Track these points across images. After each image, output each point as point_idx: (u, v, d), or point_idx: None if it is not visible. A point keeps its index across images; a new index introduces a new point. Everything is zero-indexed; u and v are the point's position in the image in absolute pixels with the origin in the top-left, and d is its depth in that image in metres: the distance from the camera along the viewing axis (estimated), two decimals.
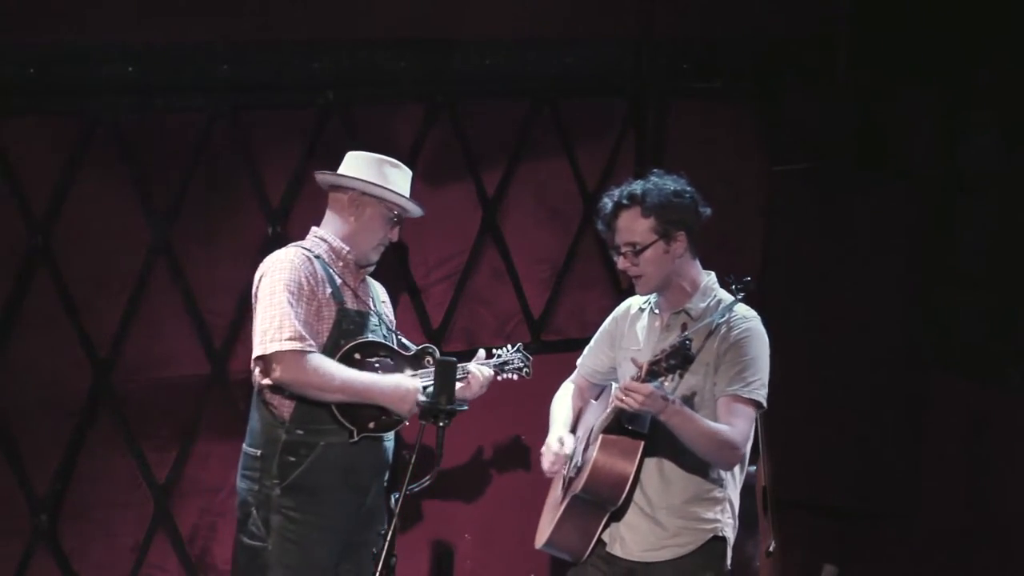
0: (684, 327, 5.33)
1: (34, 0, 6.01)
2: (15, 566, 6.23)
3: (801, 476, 7.18)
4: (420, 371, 5.76)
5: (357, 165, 5.80)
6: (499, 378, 5.98)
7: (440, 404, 5.21)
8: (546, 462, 5.62)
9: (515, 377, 6.05)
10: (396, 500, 5.15)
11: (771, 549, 6.39)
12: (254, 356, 5.59)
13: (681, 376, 5.25)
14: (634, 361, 5.19)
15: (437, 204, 6.89)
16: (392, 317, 5.99)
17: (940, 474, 7.42)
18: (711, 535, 5.45)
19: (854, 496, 7.38)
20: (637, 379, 5.12)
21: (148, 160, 6.31)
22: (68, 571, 6.33)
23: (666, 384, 5.23)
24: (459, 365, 5.76)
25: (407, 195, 5.82)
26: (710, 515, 5.45)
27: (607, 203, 5.49)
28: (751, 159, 7.49)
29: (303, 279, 5.60)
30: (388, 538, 5.10)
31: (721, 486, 5.46)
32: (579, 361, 5.85)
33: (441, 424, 5.21)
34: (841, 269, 7.39)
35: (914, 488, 7.45)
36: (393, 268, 6.85)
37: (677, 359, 5.03)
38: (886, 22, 7.44)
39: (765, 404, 5.40)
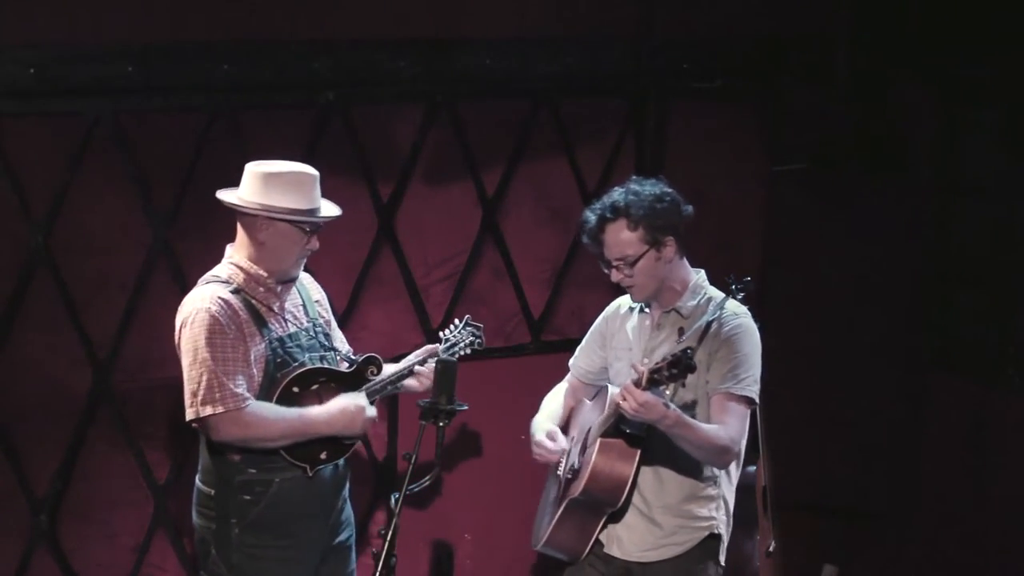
0: (681, 331, 5.34)
1: (34, 0, 6.02)
2: (15, 566, 6.24)
3: (801, 476, 7.19)
4: (365, 387, 5.58)
5: (256, 185, 5.46)
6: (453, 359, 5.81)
7: (440, 404, 5.20)
8: (544, 455, 5.59)
9: (468, 352, 5.87)
10: (396, 500, 5.15)
11: (771, 549, 6.39)
12: (187, 419, 5.43)
13: (683, 385, 5.25)
14: (634, 367, 5.18)
15: (437, 204, 6.90)
16: (328, 315, 5.77)
17: (940, 474, 7.42)
18: (707, 533, 5.47)
19: (854, 496, 7.38)
20: (637, 385, 5.11)
21: (148, 160, 6.31)
22: (68, 571, 6.33)
23: (667, 392, 5.23)
24: (405, 364, 5.66)
25: (317, 202, 5.50)
26: (705, 512, 5.46)
27: (591, 217, 5.46)
28: (751, 159, 7.49)
29: (223, 327, 5.36)
30: (388, 538, 5.10)
31: (715, 484, 5.48)
32: (571, 362, 5.84)
33: (441, 424, 5.20)
34: (841, 269, 7.39)
35: (914, 488, 7.45)
36: (393, 268, 6.86)
37: (679, 368, 5.02)
38: (886, 21, 7.44)
39: (757, 400, 5.40)
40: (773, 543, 6.40)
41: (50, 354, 6.23)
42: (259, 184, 5.49)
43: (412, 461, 5.17)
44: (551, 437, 5.61)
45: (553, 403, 5.80)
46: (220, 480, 5.50)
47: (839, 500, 7.39)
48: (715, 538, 5.50)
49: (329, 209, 5.58)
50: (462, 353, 5.82)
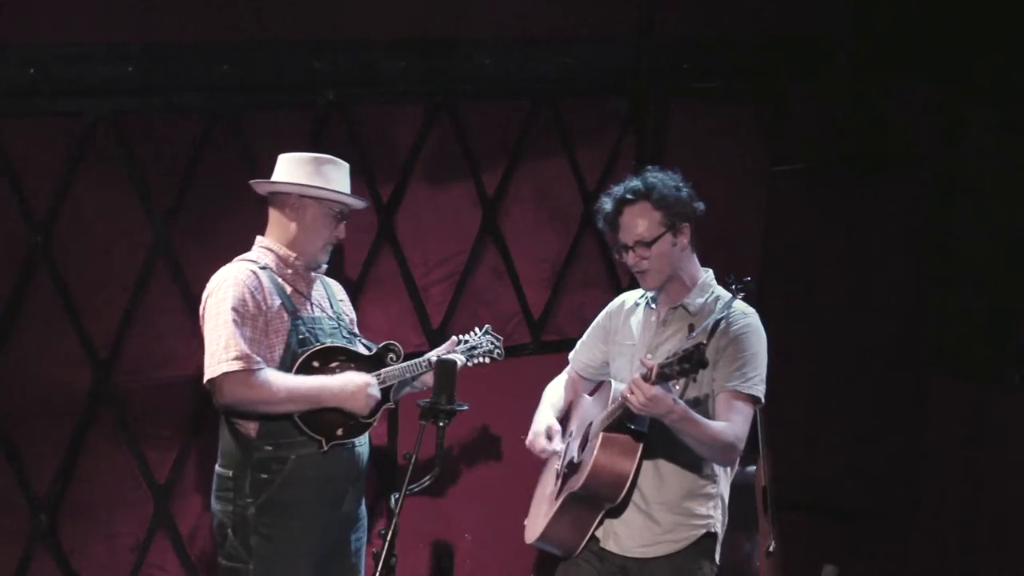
0: (691, 328, 5.34)
1: (34, 0, 6.02)
2: (15, 566, 6.24)
3: (801, 476, 7.19)
4: (383, 370, 5.68)
5: (291, 168, 5.72)
6: (471, 364, 5.90)
7: (440, 404, 5.20)
8: (537, 447, 5.61)
9: (487, 361, 5.97)
10: (396, 500, 5.15)
11: (771, 549, 6.39)
12: (205, 380, 5.53)
13: (694, 380, 5.24)
14: (643, 362, 5.18)
15: (437, 204, 6.90)
16: (353, 315, 5.93)
17: (940, 474, 7.42)
18: (704, 531, 5.46)
19: (854, 496, 7.38)
20: (646, 379, 5.12)
21: (148, 160, 6.31)
22: (68, 571, 6.33)
23: (676, 387, 5.22)
24: (427, 356, 5.74)
25: (347, 189, 5.75)
26: (704, 511, 5.46)
27: (608, 201, 5.50)
28: (751, 159, 7.49)
29: (247, 296, 5.53)
30: (388, 538, 5.11)
31: (714, 482, 5.48)
32: (571, 355, 5.85)
33: (441, 424, 5.21)
34: (841, 269, 7.39)
35: (914, 488, 7.45)
36: (393, 268, 6.86)
37: (690, 363, 5.01)
38: (886, 21, 7.44)
39: (763, 400, 5.40)
40: (773, 543, 6.40)
41: (50, 354, 6.23)
42: (293, 166, 5.71)
43: (412, 461, 5.17)
44: (549, 435, 5.62)
45: (554, 394, 5.81)
46: (238, 460, 5.59)
47: (839, 500, 7.39)
48: (711, 537, 5.50)
49: (357, 200, 5.80)
50: (479, 360, 5.92)
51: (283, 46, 6.47)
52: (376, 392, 5.61)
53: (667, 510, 5.44)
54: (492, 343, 5.99)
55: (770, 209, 7.51)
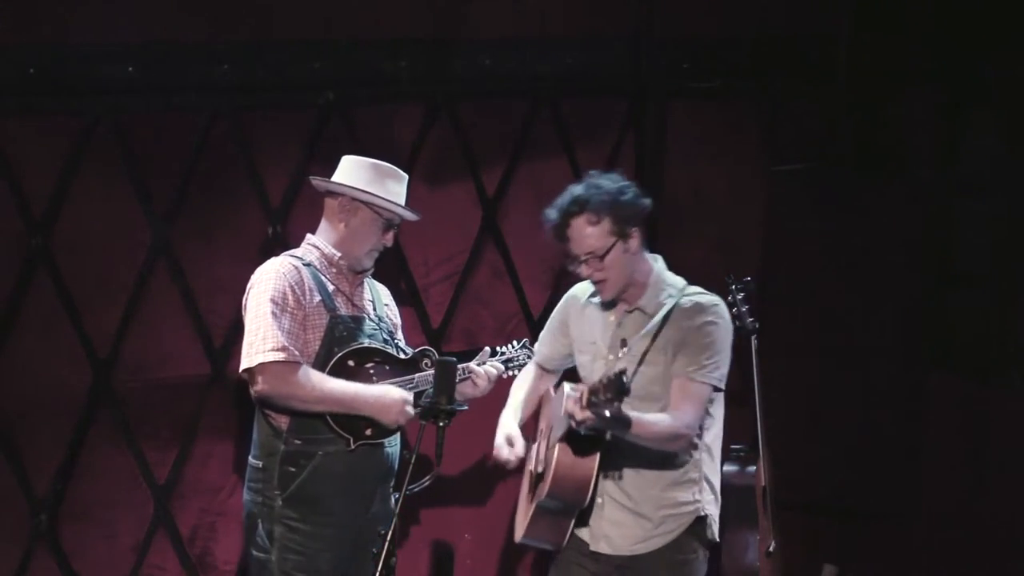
0: (624, 342, 5.37)
1: (34, 0, 6.02)
2: (15, 566, 6.24)
3: (801, 476, 7.18)
4: (416, 375, 5.72)
5: (351, 170, 5.76)
6: (505, 376, 5.96)
7: (440, 404, 5.21)
8: (501, 458, 5.66)
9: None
10: (396, 500, 5.16)
11: (771, 549, 6.39)
12: (241, 369, 5.57)
13: (618, 406, 5.15)
14: (574, 389, 5.21)
15: (437, 204, 6.89)
16: (397, 320, 5.96)
17: (940, 474, 7.42)
18: (693, 517, 5.46)
19: (854, 496, 7.38)
20: (578, 403, 5.09)
21: (148, 160, 6.31)
22: (68, 571, 6.33)
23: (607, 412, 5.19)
24: (462, 366, 5.77)
25: (402, 200, 5.78)
26: (688, 497, 5.48)
27: (554, 214, 5.46)
28: (751, 159, 7.49)
29: (288, 290, 5.58)
30: (388, 538, 5.11)
31: (696, 467, 5.48)
32: (535, 347, 5.88)
33: (441, 424, 5.21)
34: (841, 269, 7.39)
35: (914, 488, 7.45)
36: (393, 268, 6.86)
37: (612, 391, 4.98)
38: (886, 22, 7.44)
39: (722, 386, 5.42)
40: (773, 543, 6.40)
41: (50, 354, 6.23)
42: (353, 169, 5.76)
43: (412, 461, 5.18)
44: (509, 442, 5.66)
45: (519, 393, 5.84)
46: (268, 451, 5.64)
47: (839, 500, 7.39)
48: (702, 520, 5.51)
49: (410, 212, 5.81)
50: (515, 373, 5.97)
51: (283, 46, 6.47)
52: (411, 411, 5.62)
53: (654, 504, 5.46)
54: (528, 356, 6.02)
55: (770, 209, 7.51)
